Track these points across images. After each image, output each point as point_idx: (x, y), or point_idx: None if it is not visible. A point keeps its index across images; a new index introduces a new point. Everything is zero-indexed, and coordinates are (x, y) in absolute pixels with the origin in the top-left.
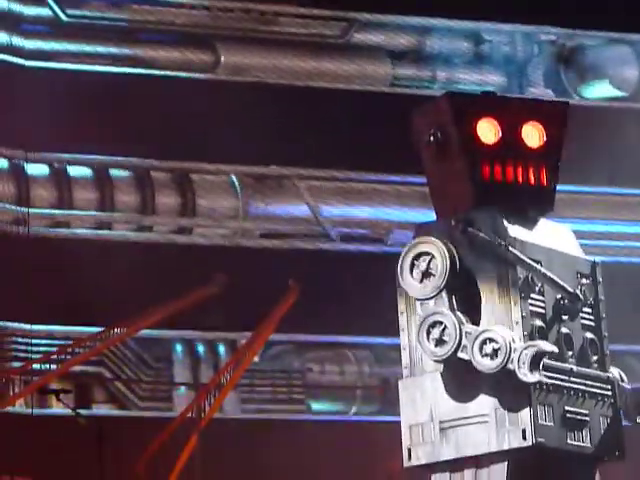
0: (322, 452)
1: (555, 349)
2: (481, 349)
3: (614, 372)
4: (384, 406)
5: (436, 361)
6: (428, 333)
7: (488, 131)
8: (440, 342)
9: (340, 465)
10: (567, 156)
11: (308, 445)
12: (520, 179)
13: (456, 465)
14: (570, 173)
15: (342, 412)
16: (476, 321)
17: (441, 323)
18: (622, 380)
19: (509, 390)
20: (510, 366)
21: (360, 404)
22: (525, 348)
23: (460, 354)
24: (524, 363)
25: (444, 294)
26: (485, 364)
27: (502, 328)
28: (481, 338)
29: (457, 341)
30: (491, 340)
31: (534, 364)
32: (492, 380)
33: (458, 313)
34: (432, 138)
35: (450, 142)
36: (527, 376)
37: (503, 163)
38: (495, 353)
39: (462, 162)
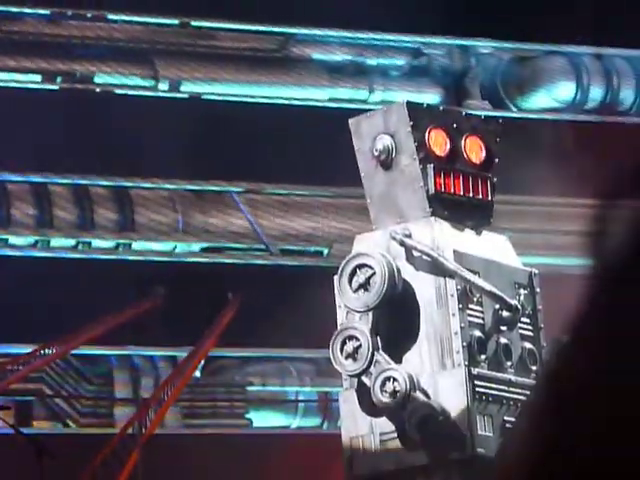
0: (264, 466)
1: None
2: (382, 385)
3: None
4: (325, 419)
5: (347, 375)
6: (343, 344)
7: (438, 142)
8: (352, 358)
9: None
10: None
11: (250, 459)
12: (465, 192)
13: (402, 476)
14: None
15: (283, 426)
16: (391, 354)
17: (357, 340)
18: None
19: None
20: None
21: (301, 417)
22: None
23: (364, 378)
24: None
25: (371, 314)
26: (381, 399)
27: (405, 368)
28: (384, 375)
29: (367, 364)
30: (394, 380)
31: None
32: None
33: (377, 338)
34: (381, 145)
35: (402, 150)
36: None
37: (452, 175)
38: (394, 394)
39: (415, 171)
